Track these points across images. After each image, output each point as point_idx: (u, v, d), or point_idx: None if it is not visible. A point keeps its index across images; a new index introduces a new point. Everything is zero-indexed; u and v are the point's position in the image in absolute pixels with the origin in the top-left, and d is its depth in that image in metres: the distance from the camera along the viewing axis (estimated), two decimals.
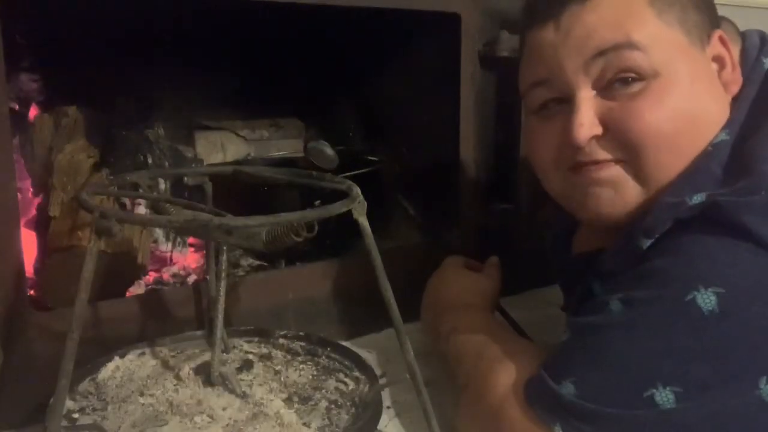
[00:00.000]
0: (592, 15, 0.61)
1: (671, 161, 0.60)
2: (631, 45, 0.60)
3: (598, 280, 0.65)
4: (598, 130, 0.62)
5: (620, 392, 0.54)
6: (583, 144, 0.61)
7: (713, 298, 0.51)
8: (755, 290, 0.52)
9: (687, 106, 0.60)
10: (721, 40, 0.64)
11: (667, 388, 0.52)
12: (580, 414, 0.55)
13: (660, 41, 0.60)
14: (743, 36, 0.69)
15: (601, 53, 0.61)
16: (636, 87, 0.60)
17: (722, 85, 0.64)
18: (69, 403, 0.67)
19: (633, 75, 0.60)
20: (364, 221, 0.60)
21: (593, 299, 0.61)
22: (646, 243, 0.57)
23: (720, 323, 0.51)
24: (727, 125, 0.61)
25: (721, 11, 0.68)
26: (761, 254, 0.52)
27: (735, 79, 0.64)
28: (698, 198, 0.55)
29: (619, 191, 0.63)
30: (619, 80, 0.61)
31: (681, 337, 0.52)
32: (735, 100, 0.64)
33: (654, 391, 0.52)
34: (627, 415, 0.53)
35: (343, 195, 0.60)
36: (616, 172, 0.62)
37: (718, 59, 0.64)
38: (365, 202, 0.60)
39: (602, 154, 0.62)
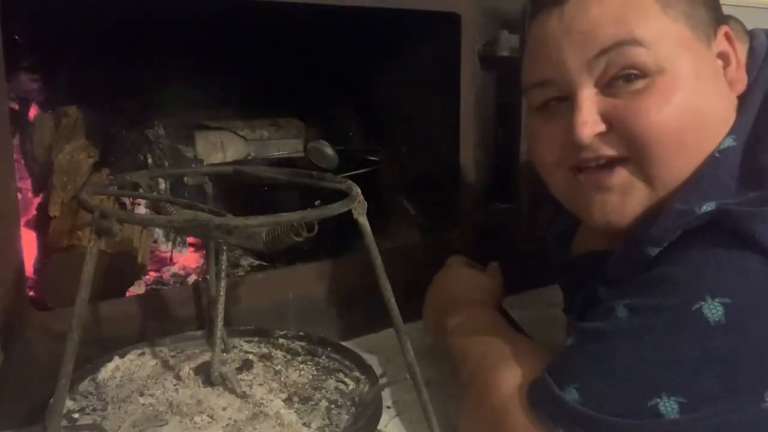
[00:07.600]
0: (597, 8, 0.60)
1: (677, 160, 0.59)
2: (634, 42, 0.58)
3: (604, 285, 0.65)
4: (601, 127, 0.60)
5: (624, 401, 0.53)
6: (586, 142, 0.60)
7: (720, 308, 0.50)
8: (763, 302, 0.51)
9: (692, 103, 0.59)
10: (727, 36, 0.63)
11: (672, 399, 0.51)
12: (582, 421, 0.54)
13: (665, 37, 0.59)
14: (751, 35, 0.68)
15: (604, 51, 0.59)
16: (640, 84, 0.59)
17: (727, 83, 0.63)
18: (69, 403, 0.67)
19: (636, 72, 0.59)
20: (364, 221, 0.60)
21: (599, 304, 0.60)
22: (654, 251, 0.57)
23: (726, 334, 0.50)
24: (733, 130, 0.60)
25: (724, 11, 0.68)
26: None
27: (740, 77, 0.63)
28: (708, 207, 0.54)
29: (627, 196, 0.61)
30: (623, 77, 0.59)
31: (687, 347, 0.52)
32: (741, 101, 0.62)
33: (658, 400, 0.51)
34: (630, 424, 0.52)
35: (343, 195, 0.60)
36: (623, 176, 0.61)
37: (723, 56, 0.63)
38: (365, 202, 0.60)
39: (607, 150, 0.61)
